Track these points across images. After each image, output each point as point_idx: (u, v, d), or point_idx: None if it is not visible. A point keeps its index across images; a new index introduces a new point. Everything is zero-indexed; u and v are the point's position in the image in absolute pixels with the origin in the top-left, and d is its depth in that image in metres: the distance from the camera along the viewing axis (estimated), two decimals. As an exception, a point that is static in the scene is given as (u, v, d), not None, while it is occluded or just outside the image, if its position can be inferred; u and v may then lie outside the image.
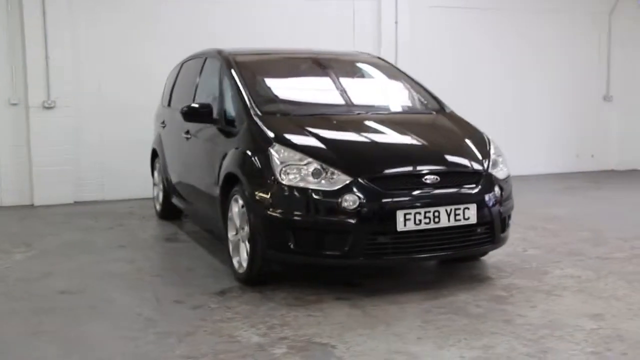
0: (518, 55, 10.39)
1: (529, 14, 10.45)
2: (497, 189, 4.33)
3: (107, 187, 8.38)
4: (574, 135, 10.90)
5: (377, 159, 4.21)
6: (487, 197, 4.23)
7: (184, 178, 5.87)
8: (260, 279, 4.39)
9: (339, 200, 3.94)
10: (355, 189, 3.96)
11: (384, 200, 3.96)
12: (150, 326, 3.69)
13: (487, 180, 4.30)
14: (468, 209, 4.13)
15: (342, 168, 4.04)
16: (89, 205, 7.92)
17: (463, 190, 4.18)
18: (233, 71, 5.06)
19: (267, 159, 4.22)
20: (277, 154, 4.19)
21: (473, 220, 4.15)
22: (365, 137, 4.51)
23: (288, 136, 4.32)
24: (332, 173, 4.03)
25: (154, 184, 7.24)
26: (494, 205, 4.26)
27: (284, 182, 4.07)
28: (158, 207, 7.06)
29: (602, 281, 4.47)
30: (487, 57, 10.15)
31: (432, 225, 4.03)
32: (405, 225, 3.97)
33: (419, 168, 4.17)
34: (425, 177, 4.12)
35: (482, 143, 4.63)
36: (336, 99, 5.16)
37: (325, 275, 4.66)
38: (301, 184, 4.04)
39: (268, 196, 4.13)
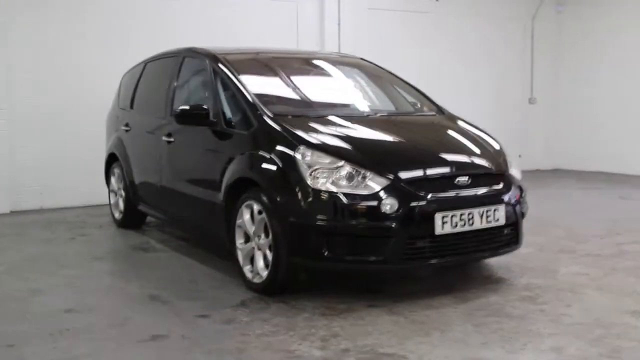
0: (447, 57, 10.64)
1: (458, 18, 10.74)
2: (518, 189, 4.35)
3: (46, 195, 7.80)
4: (501, 137, 11.05)
5: (410, 161, 4.10)
6: (512, 198, 4.23)
7: (163, 183, 5.50)
8: (282, 288, 4.18)
9: (379, 204, 3.80)
10: (393, 192, 3.84)
11: (423, 204, 3.86)
12: (194, 345, 3.39)
13: (509, 181, 4.31)
14: (497, 210, 4.11)
15: (376, 171, 3.91)
16: (30, 215, 7.35)
17: (492, 192, 4.16)
18: (229, 71, 4.81)
19: (292, 163, 4.01)
20: (304, 157, 3.99)
21: (502, 221, 4.14)
22: (389, 138, 4.40)
23: (312, 138, 4.13)
24: (365, 176, 3.89)
25: (111, 191, 6.78)
26: (516, 205, 4.26)
27: (315, 187, 3.88)
28: (117, 215, 6.62)
29: (612, 278, 4.58)
30: (418, 59, 10.28)
31: (466, 228, 3.98)
32: (443, 228, 3.89)
33: (451, 170, 4.11)
34: (457, 179, 4.07)
35: (495, 145, 4.64)
36: (340, 100, 5.02)
37: (336, 282, 4.51)
38: (334, 188, 3.86)
39: (297, 202, 3.92)
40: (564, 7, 11.62)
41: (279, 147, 4.15)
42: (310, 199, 3.89)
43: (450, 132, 4.65)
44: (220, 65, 4.90)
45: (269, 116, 4.36)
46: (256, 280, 4.26)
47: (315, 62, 5.44)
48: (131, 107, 6.36)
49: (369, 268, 4.04)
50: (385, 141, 4.35)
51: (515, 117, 11.47)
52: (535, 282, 4.49)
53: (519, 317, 3.78)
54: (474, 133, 4.71)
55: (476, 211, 4.01)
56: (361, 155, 4.01)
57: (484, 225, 4.05)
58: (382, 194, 3.83)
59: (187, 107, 4.75)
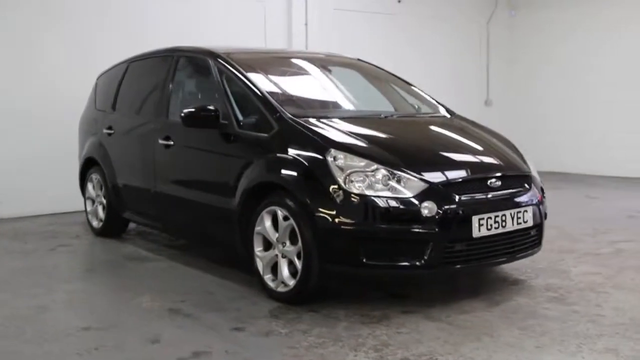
0: (409, 59, 10.65)
1: (419, 19, 10.83)
2: (540, 190, 4.35)
3: (6, 204, 7.34)
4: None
5: (443, 163, 4.03)
6: (537, 199, 4.23)
7: (158, 189, 5.24)
8: (311, 297, 4.03)
9: (418, 207, 3.72)
10: (432, 195, 3.76)
11: (461, 206, 3.80)
12: (246, 360, 3.23)
13: (533, 182, 4.31)
14: (526, 211, 4.10)
15: (413, 173, 3.82)
16: (-7, 225, 6.90)
17: (522, 193, 4.14)
18: (238, 71, 4.63)
19: (323, 166, 3.87)
20: (335, 160, 3.85)
21: (530, 222, 4.13)
22: (415, 140, 4.33)
23: (341, 140, 4.01)
24: (401, 179, 3.79)
25: (88, 198, 6.43)
26: (540, 206, 4.26)
27: (351, 191, 3.76)
28: (96, 223, 6.29)
29: (625, 276, 4.65)
30: (383, 59, 10.14)
31: (500, 230, 3.94)
32: (479, 230, 3.84)
33: (484, 172, 4.07)
34: (489, 180, 4.03)
35: (513, 146, 4.64)
36: (353, 100, 4.90)
37: (354, 288, 4.41)
38: (371, 192, 3.75)
39: (331, 206, 3.79)
40: (516, 12, 11.89)
41: (306, 150, 4.01)
42: (346, 204, 3.76)
43: (471, 134, 4.61)
44: (228, 65, 4.72)
45: (290, 118, 4.20)
46: (280, 289, 4.10)
47: (317, 62, 5.31)
48: (113, 108, 6.05)
49: (407, 273, 3.95)
50: (413, 143, 4.26)
51: (472, 118, 11.59)
52: (553, 282, 4.50)
53: (557, 319, 3.77)
54: (492, 134, 4.68)
55: (508, 213, 3.98)
56: (394, 157, 3.91)
57: (515, 227, 4.02)
58: (420, 197, 3.74)
59: (193, 109, 4.52)
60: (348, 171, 3.80)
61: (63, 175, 7.31)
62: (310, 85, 4.94)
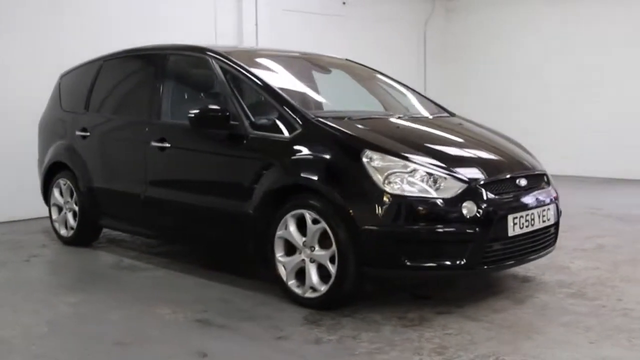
0: (354, 59, 10.70)
1: (363, 21, 10.89)
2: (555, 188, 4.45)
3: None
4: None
5: (476, 163, 4.02)
6: (555, 197, 4.31)
7: (150, 194, 4.96)
8: (344, 302, 3.93)
9: (460, 207, 3.70)
10: (471, 195, 3.75)
11: (498, 206, 3.81)
12: (312, 370, 3.10)
13: (549, 180, 4.39)
14: (549, 209, 4.17)
15: (451, 174, 3.80)
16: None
17: (545, 192, 4.21)
18: (246, 71, 4.48)
19: (358, 167, 3.78)
20: (371, 161, 3.77)
21: (552, 220, 4.21)
22: (439, 139, 4.31)
23: (375, 141, 3.93)
24: (439, 179, 3.76)
25: (53, 205, 6.01)
26: (557, 204, 4.35)
27: (391, 192, 3.69)
28: (65, 232, 5.90)
29: (625, 270, 4.81)
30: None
31: (529, 229, 3.99)
32: (513, 230, 3.87)
33: (513, 171, 4.10)
34: (518, 180, 4.07)
35: (521, 145, 4.71)
36: (364, 101, 4.83)
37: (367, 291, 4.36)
38: (411, 193, 3.70)
39: (370, 208, 3.71)
40: (451, 14, 12.19)
41: (337, 151, 3.92)
42: (386, 205, 3.69)
43: (483, 134, 4.64)
44: (232, 64, 4.54)
45: (314, 118, 4.09)
46: (309, 294, 3.97)
47: (314, 62, 5.21)
48: (86, 109, 5.69)
49: (448, 274, 3.93)
50: (439, 143, 4.24)
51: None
52: (562, 279, 4.61)
53: (589, 314, 3.85)
54: (499, 134, 4.74)
55: (535, 211, 4.03)
56: (429, 157, 3.88)
57: (540, 225, 4.09)
58: (460, 197, 3.72)
59: (202, 110, 4.32)
60: (386, 172, 3.74)
61: (15, 180, 6.83)
62: (315, 85, 4.82)
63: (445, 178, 3.77)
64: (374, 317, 3.83)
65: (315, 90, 4.88)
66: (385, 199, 3.69)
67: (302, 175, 3.97)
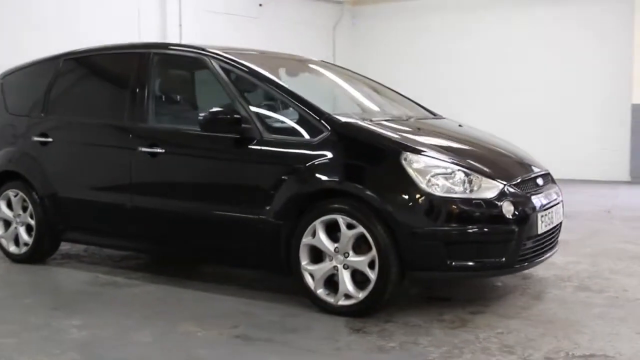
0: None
1: (279, 23, 10.85)
2: (557, 187, 4.62)
3: None
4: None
5: (502, 164, 4.11)
6: (561, 195, 4.48)
7: (138, 204, 4.59)
8: (381, 308, 3.85)
9: (500, 207, 3.74)
10: (507, 195, 3.81)
11: (530, 205, 3.90)
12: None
13: (554, 179, 4.55)
14: (560, 207, 4.33)
15: (487, 175, 3.84)
16: None
17: (555, 190, 4.36)
18: (255, 73, 4.31)
19: (399, 170, 3.73)
20: (412, 163, 3.73)
21: (561, 217, 4.37)
22: (466, 142, 4.33)
23: (412, 143, 3.90)
24: (473, 180, 3.79)
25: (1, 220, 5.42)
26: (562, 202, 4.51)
27: (435, 194, 3.67)
28: (14, 249, 5.30)
29: (607, 264, 5.06)
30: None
31: (550, 226, 4.12)
32: (541, 228, 3.98)
33: (531, 172, 4.21)
34: (537, 179, 4.19)
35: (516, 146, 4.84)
36: (366, 103, 4.77)
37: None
38: (454, 195, 3.70)
39: (415, 211, 3.67)
40: (359, 20, 12.41)
41: (372, 154, 3.85)
42: (430, 207, 3.67)
43: (489, 137, 4.69)
44: (238, 65, 4.33)
45: (342, 121, 3.99)
46: (342, 302, 3.86)
47: (304, 64, 5.09)
48: (44, 113, 5.18)
49: (489, 274, 3.97)
50: (464, 144, 4.27)
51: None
52: (557, 273, 4.78)
53: (611, 305, 4.05)
54: (494, 136, 4.84)
55: (554, 209, 4.17)
56: (463, 159, 3.90)
57: (557, 222, 4.23)
58: (498, 197, 3.77)
59: (213, 113, 4.08)
60: (428, 174, 3.71)
61: None
62: (321, 86, 4.71)
63: (481, 179, 3.80)
64: (413, 320, 3.78)
65: (331, 91, 4.78)
66: (430, 201, 3.67)
67: (335, 179, 3.86)
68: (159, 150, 4.46)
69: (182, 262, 5.25)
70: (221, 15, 9.77)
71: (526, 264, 3.97)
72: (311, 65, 5.25)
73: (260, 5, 10.48)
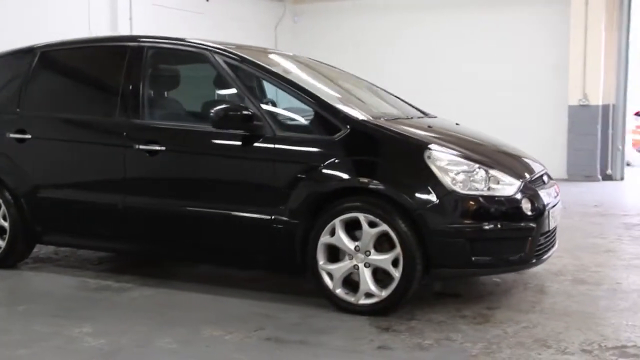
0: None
1: (223, 20, 10.68)
2: (550, 185, 4.74)
3: None
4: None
5: (516, 163, 4.17)
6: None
7: (132, 204, 4.37)
8: (400, 306, 3.84)
9: (521, 204, 3.81)
10: (525, 193, 3.87)
11: (544, 201, 3.98)
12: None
13: (551, 177, 4.67)
14: (559, 204, 4.44)
15: (505, 172, 3.89)
16: None
17: (555, 187, 4.46)
18: (266, 69, 4.22)
19: (423, 168, 3.73)
20: (436, 161, 3.74)
21: (560, 215, 4.49)
22: (477, 140, 4.36)
23: (435, 141, 3.91)
24: (496, 178, 3.83)
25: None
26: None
27: (460, 191, 3.69)
28: (-15, 253, 4.96)
29: (592, 259, 5.17)
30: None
31: (556, 222, 4.23)
32: (551, 223, 4.08)
33: (538, 170, 4.30)
34: (543, 177, 4.28)
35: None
36: (364, 101, 4.74)
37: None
38: (478, 192, 3.73)
39: (440, 209, 3.68)
40: (300, 18, 12.37)
41: (394, 152, 3.84)
42: (455, 205, 3.69)
43: (487, 135, 4.74)
44: (244, 62, 4.22)
45: (361, 119, 3.95)
46: (363, 301, 3.82)
47: (292, 59, 5.01)
48: (18, 108, 4.84)
49: (509, 269, 4.02)
50: (477, 143, 4.31)
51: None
52: (547, 267, 4.84)
53: (613, 297, 4.20)
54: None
55: (557, 206, 4.28)
56: (482, 157, 3.94)
57: (559, 219, 4.35)
58: (520, 194, 3.83)
59: (225, 109, 3.95)
60: (452, 172, 3.73)
61: None
62: (325, 84, 4.63)
63: (501, 177, 3.85)
64: (436, 317, 3.80)
65: (334, 90, 4.69)
66: (455, 198, 3.69)
67: (358, 177, 3.82)
68: (158, 147, 4.27)
69: (164, 263, 5.07)
70: (170, 10, 9.52)
71: (538, 260, 4.05)
72: (298, 61, 5.15)
73: (207, 0, 10.26)
